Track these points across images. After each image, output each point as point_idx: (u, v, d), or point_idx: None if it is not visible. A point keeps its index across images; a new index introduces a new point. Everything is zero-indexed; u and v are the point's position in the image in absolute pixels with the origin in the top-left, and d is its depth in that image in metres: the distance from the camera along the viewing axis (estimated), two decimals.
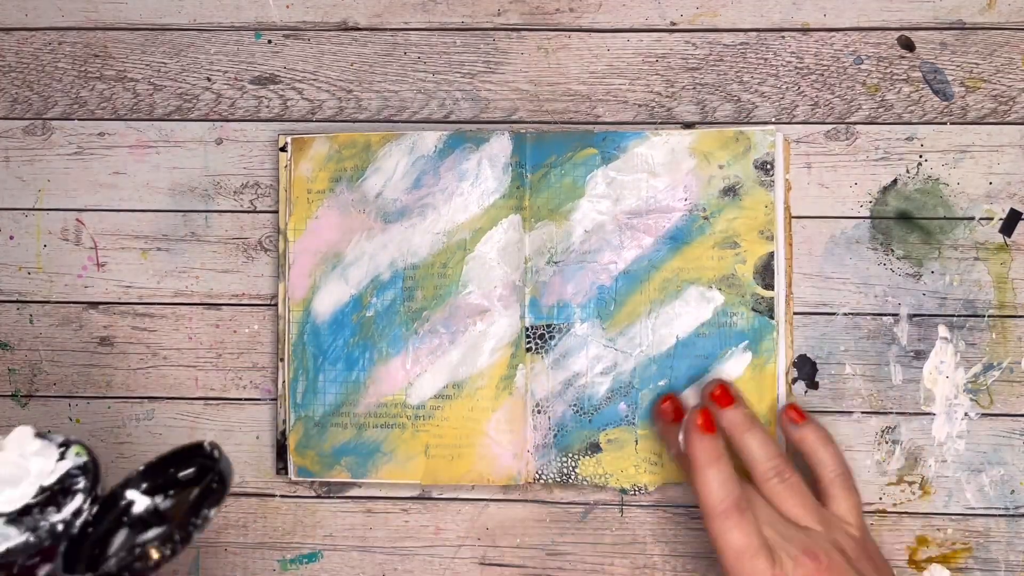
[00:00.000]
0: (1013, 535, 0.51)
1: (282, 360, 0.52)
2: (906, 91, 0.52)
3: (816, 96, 0.53)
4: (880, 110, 0.52)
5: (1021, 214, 0.52)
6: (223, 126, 0.54)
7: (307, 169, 0.52)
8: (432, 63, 0.54)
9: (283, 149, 0.53)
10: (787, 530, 0.45)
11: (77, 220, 0.54)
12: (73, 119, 0.54)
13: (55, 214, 0.54)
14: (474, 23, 0.54)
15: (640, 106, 0.53)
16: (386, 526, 0.53)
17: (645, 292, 0.51)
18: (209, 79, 0.54)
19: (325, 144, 0.52)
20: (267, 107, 0.54)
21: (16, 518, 0.29)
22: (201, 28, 0.54)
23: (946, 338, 0.52)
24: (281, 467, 0.52)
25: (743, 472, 0.47)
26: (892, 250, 0.52)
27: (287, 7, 0.54)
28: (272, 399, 0.53)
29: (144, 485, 0.30)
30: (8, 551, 0.28)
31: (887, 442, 0.52)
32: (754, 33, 0.53)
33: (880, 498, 0.52)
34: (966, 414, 0.52)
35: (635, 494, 0.52)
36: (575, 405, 0.51)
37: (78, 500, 0.30)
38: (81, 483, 0.30)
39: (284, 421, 0.52)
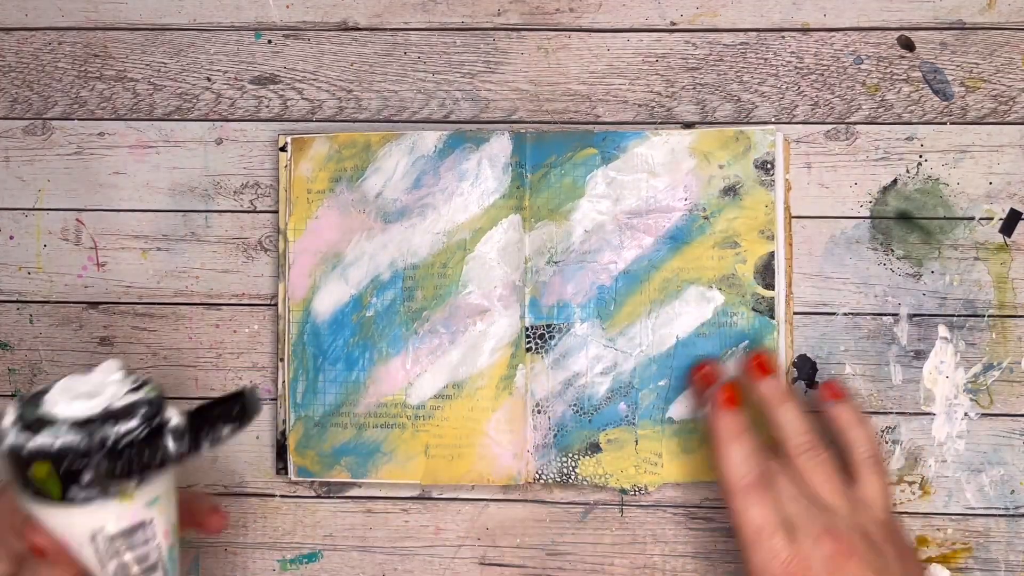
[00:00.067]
0: (1013, 535, 0.51)
1: (282, 360, 0.52)
2: (906, 91, 0.53)
3: (816, 96, 0.53)
4: (880, 110, 0.53)
5: (1021, 214, 0.52)
6: (223, 126, 0.54)
7: (307, 169, 0.52)
8: (432, 63, 0.54)
9: (283, 149, 0.53)
10: (810, 508, 0.44)
11: (77, 220, 0.54)
12: (73, 119, 0.54)
13: (55, 214, 0.54)
14: (474, 23, 0.54)
15: (640, 106, 0.53)
16: (386, 526, 0.53)
17: (645, 292, 0.51)
18: (209, 79, 0.54)
19: (325, 144, 0.52)
20: (267, 107, 0.54)
21: (79, 424, 0.34)
22: (201, 28, 0.54)
23: (946, 338, 0.52)
24: (281, 467, 0.52)
25: (772, 446, 0.47)
26: (892, 250, 0.52)
27: (287, 7, 0.54)
28: (272, 399, 0.53)
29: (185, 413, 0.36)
30: (62, 448, 0.34)
31: (887, 442, 0.52)
32: (754, 33, 0.53)
33: None
34: (966, 414, 0.52)
35: (635, 494, 0.52)
36: (575, 405, 0.51)
37: (133, 423, 0.35)
38: (142, 411, 0.35)
39: (284, 421, 0.52)
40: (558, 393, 0.51)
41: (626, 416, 0.51)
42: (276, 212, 0.54)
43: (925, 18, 0.53)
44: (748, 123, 0.53)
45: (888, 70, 0.53)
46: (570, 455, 0.51)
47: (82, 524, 0.35)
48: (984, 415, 0.52)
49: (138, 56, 0.54)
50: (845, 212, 0.52)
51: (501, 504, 0.53)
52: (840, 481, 0.46)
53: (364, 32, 0.54)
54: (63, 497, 0.35)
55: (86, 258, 0.54)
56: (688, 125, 0.53)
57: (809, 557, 0.43)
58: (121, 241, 0.54)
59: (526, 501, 0.53)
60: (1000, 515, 0.51)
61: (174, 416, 0.36)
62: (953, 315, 0.52)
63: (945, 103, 0.52)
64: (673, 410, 0.51)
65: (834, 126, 0.53)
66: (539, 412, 0.51)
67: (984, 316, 0.52)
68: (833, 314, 0.52)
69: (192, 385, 0.54)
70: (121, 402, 0.36)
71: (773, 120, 0.53)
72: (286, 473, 0.52)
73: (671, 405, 0.51)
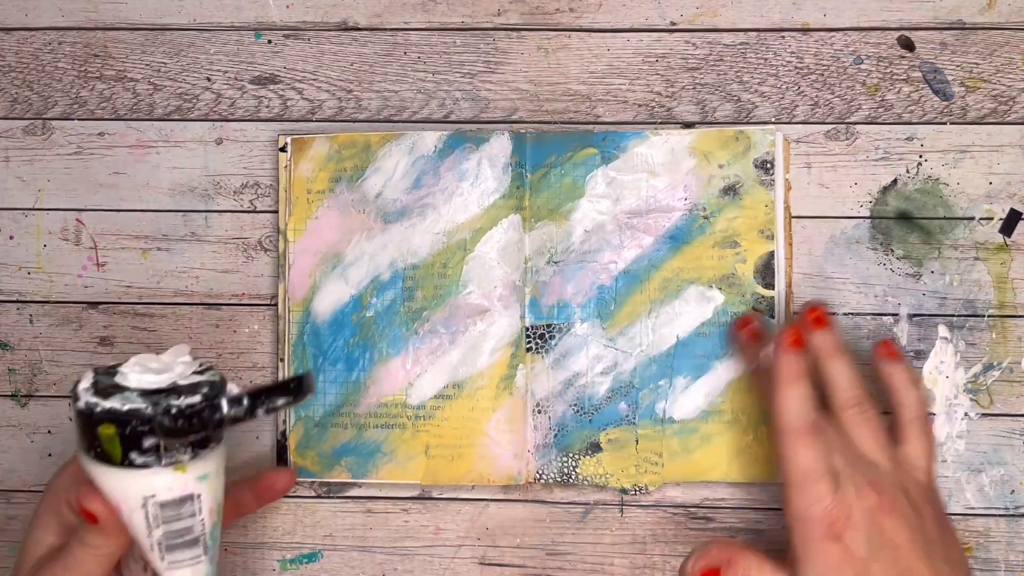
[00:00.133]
0: (1013, 535, 0.52)
1: (282, 360, 0.53)
2: (906, 91, 0.53)
3: (816, 96, 0.53)
4: (880, 110, 0.53)
5: (1021, 214, 0.52)
6: (223, 126, 0.54)
7: (307, 169, 0.53)
8: (432, 63, 0.54)
9: (283, 149, 0.53)
10: (856, 461, 0.45)
11: (77, 220, 0.55)
12: (73, 119, 0.55)
13: (55, 214, 0.55)
14: (474, 23, 0.54)
15: (640, 106, 0.53)
16: (386, 526, 0.53)
17: (645, 292, 0.52)
18: (209, 79, 0.54)
19: (325, 144, 0.53)
20: (267, 107, 0.54)
21: (147, 394, 0.39)
22: (201, 28, 0.55)
23: (946, 338, 0.52)
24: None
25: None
26: (892, 250, 0.52)
27: (287, 7, 0.54)
28: None
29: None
30: (129, 412, 0.37)
31: None
32: (754, 33, 0.53)
33: None
34: (966, 414, 0.52)
35: (635, 494, 0.52)
36: (575, 405, 0.52)
37: (195, 399, 0.39)
38: (204, 390, 0.39)
39: (284, 422, 0.53)
40: (558, 393, 0.52)
41: (626, 416, 0.51)
42: (276, 212, 0.54)
43: (925, 18, 0.53)
44: (748, 123, 0.53)
45: (888, 70, 0.53)
46: (570, 455, 0.51)
47: (136, 488, 0.39)
48: (984, 415, 0.52)
49: (138, 56, 0.55)
50: (845, 212, 0.53)
51: (501, 504, 0.53)
52: (885, 439, 0.46)
53: (364, 32, 0.54)
54: (123, 460, 0.38)
55: (86, 258, 0.54)
56: (688, 125, 0.53)
57: (851, 507, 0.43)
58: (121, 241, 0.54)
59: (526, 501, 0.53)
60: (1000, 515, 0.52)
61: (234, 388, 0.39)
62: (953, 315, 0.52)
63: (945, 103, 0.53)
64: (673, 410, 0.51)
65: (834, 126, 0.53)
66: (539, 412, 0.52)
67: (984, 316, 0.52)
68: (833, 314, 0.52)
69: None
70: (187, 380, 0.40)
71: (773, 120, 0.53)
72: None
73: (672, 405, 0.51)
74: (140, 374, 0.39)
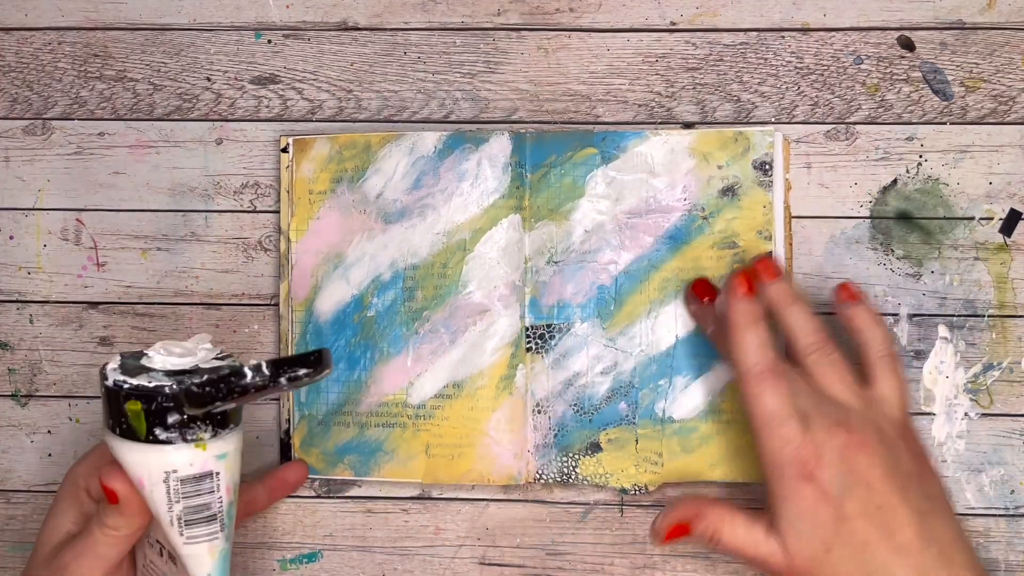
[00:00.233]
0: (1013, 535, 0.52)
1: None
2: (906, 91, 0.53)
3: (816, 96, 0.54)
4: (880, 110, 0.53)
5: (1021, 214, 0.53)
6: (223, 126, 0.55)
7: (309, 170, 0.53)
8: (432, 63, 0.55)
9: (285, 150, 0.54)
10: (824, 403, 0.45)
11: (77, 220, 0.55)
12: (73, 119, 0.55)
13: (55, 214, 0.55)
14: (474, 23, 0.55)
15: (640, 106, 0.54)
16: (386, 526, 0.54)
17: (645, 292, 0.52)
18: (209, 79, 0.55)
19: (326, 145, 0.53)
20: (267, 107, 0.55)
21: (173, 373, 0.41)
22: (201, 28, 0.55)
23: (946, 338, 0.53)
24: None
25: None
26: (892, 250, 0.53)
27: (287, 7, 0.55)
28: (272, 399, 0.54)
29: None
30: (155, 387, 0.40)
31: None
32: (754, 33, 0.54)
33: None
34: (966, 414, 0.53)
35: (635, 494, 0.53)
36: (575, 405, 0.52)
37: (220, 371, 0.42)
38: (223, 371, 0.41)
39: (288, 420, 0.53)
40: (558, 393, 0.52)
41: (626, 416, 0.52)
42: (276, 212, 0.54)
43: (925, 18, 0.54)
44: (748, 123, 0.54)
45: (888, 70, 0.54)
46: (570, 455, 0.52)
47: (159, 463, 0.41)
48: (984, 415, 0.53)
49: (138, 56, 0.55)
50: (845, 212, 0.53)
51: (501, 504, 0.54)
52: (853, 380, 0.46)
53: (364, 32, 0.55)
54: (147, 436, 0.41)
55: (86, 258, 0.55)
56: (688, 125, 0.54)
57: (821, 446, 0.43)
58: (121, 241, 0.55)
59: (526, 501, 0.54)
60: (1000, 515, 0.52)
61: (255, 360, 0.42)
62: (953, 315, 0.53)
63: (945, 103, 0.53)
64: (673, 409, 0.52)
65: (834, 126, 0.54)
66: (539, 412, 0.52)
67: (984, 316, 0.53)
68: (833, 314, 0.53)
69: None
70: (208, 364, 0.43)
71: (773, 120, 0.54)
72: None
73: (671, 404, 0.52)
74: (165, 356, 0.42)
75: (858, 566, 0.43)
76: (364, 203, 0.53)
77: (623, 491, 0.53)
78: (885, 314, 0.53)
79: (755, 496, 0.52)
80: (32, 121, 0.56)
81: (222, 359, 0.44)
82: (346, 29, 0.55)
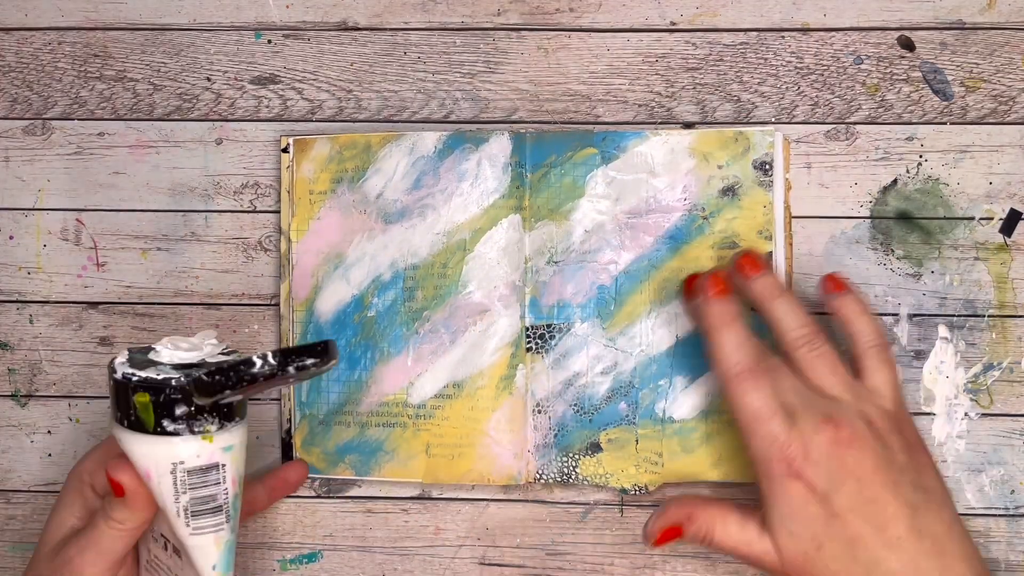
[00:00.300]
0: (1013, 535, 0.53)
1: None
2: (906, 91, 0.54)
3: (816, 96, 0.54)
4: (880, 110, 0.54)
5: (1021, 214, 0.53)
6: (223, 126, 0.55)
7: (309, 170, 0.54)
8: (432, 63, 0.55)
9: (285, 150, 0.54)
10: (812, 398, 0.44)
11: (77, 220, 0.56)
12: (73, 119, 0.56)
13: (55, 214, 0.56)
14: (474, 23, 0.55)
15: (640, 106, 0.54)
16: (386, 526, 0.54)
17: (645, 292, 0.53)
18: (209, 79, 0.55)
19: (326, 145, 0.54)
20: (267, 107, 0.55)
21: (181, 366, 0.43)
22: (201, 28, 0.56)
23: (946, 338, 0.53)
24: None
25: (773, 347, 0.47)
26: (892, 250, 0.53)
27: (287, 7, 0.55)
28: (273, 399, 0.54)
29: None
30: (163, 379, 0.41)
31: None
32: (754, 33, 0.54)
33: None
34: (966, 414, 0.53)
35: (635, 494, 0.53)
36: (575, 405, 0.53)
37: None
38: (232, 361, 0.42)
39: (289, 420, 0.54)
40: (558, 393, 0.53)
41: (626, 416, 0.52)
42: (276, 212, 0.55)
43: (925, 18, 0.54)
44: (748, 123, 0.54)
45: (888, 70, 0.54)
46: (570, 455, 0.52)
47: (167, 455, 0.42)
48: (984, 415, 0.53)
49: (138, 56, 0.56)
50: (845, 212, 0.54)
51: (501, 504, 0.54)
52: (844, 372, 0.46)
53: (364, 32, 0.55)
54: (155, 428, 0.42)
55: (86, 258, 0.55)
56: (688, 125, 0.54)
57: (808, 442, 0.43)
58: (121, 241, 0.55)
59: (526, 501, 0.54)
60: (1000, 515, 0.53)
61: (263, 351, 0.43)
62: (953, 315, 0.53)
63: (945, 103, 0.54)
64: (673, 409, 0.52)
65: (834, 126, 0.54)
66: (539, 412, 0.53)
67: (984, 316, 0.53)
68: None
69: None
70: (214, 359, 0.44)
71: (773, 120, 0.54)
72: None
73: (671, 404, 0.52)
74: (172, 351, 0.44)
75: (850, 561, 0.43)
76: (364, 203, 0.54)
77: (623, 491, 0.53)
78: (885, 314, 0.53)
79: (756, 496, 0.53)
80: (32, 121, 0.56)
81: (227, 355, 0.44)
82: (346, 29, 0.56)
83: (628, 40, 0.55)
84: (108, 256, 0.56)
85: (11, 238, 0.56)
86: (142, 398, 0.41)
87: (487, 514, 0.54)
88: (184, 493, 0.42)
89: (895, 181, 0.54)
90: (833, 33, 0.54)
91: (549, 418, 0.53)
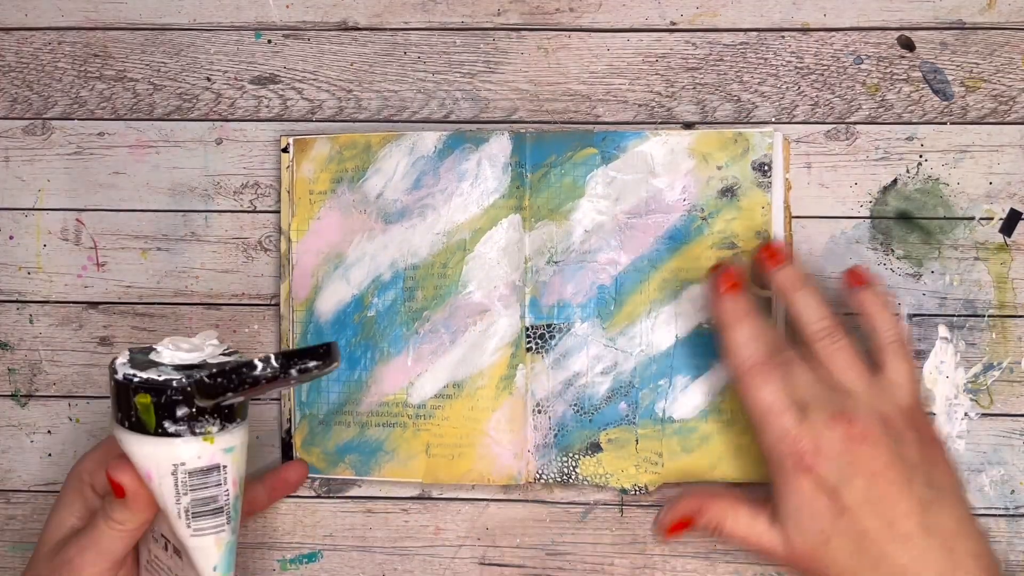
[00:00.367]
0: (1013, 535, 0.53)
1: None
2: (906, 91, 0.54)
3: (816, 96, 0.54)
4: (880, 110, 0.54)
5: (1021, 214, 0.54)
6: (223, 126, 0.56)
7: (309, 170, 0.54)
8: (432, 63, 0.55)
9: (285, 150, 0.54)
10: (826, 392, 0.45)
11: (77, 220, 0.56)
12: (73, 119, 0.56)
13: (55, 214, 0.56)
14: (474, 23, 0.55)
15: (640, 106, 0.55)
16: (386, 526, 0.54)
17: (645, 292, 0.53)
18: (209, 79, 0.56)
19: (326, 145, 0.54)
20: (267, 107, 0.56)
21: (182, 367, 0.43)
22: (201, 28, 0.56)
23: (946, 338, 0.53)
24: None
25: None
26: (892, 250, 0.54)
27: (287, 7, 0.56)
28: (273, 399, 0.55)
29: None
30: (164, 382, 0.41)
31: None
32: (754, 33, 0.55)
33: None
34: (966, 414, 0.53)
35: (635, 494, 0.53)
36: (575, 405, 0.53)
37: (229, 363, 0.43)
38: (234, 363, 0.42)
39: (289, 420, 0.54)
40: (558, 393, 0.53)
41: (626, 416, 0.53)
42: (276, 212, 0.55)
43: (925, 18, 0.54)
44: (748, 123, 0.54)
45: (888, 70, 0.54)
46: (570, 455, 0.53)
47: (168, 456, 0.42)
48: (984, 415, 0.53)
49: (138, 56, 0.56)
50: (845, 212, 0.54)
51: (501, 504, 0.54)
52: (863, 366, 0.46)
53: (364, 32, 0.56)
54: (156, 429, 0.42)
55: (86, 258, 0.56)
56: (688, 125, 0.54)
57: (819, 438, 0.43)
58: (121, 241, 0.56)
59: (526, 501, 0.54)
60: (1000, 515, 0.53)
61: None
62: (953, 315, 0.53)
63: (945, 103, 0.54)
64: (673, 409, 0.53)
65: (834, 126, 0.54)
66: (539, 412, 0.53)
67: (984, 316, 0.53)
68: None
69: None
70: (216, 360, 0.44)
71: (773, 120, 0.54)
72: None
73: (671, 404, 0.53)
74: (173, 351, 0.44)
75: (857, 557, 0.43)
76: (364, 203, 0.54)
77: (623, 491, 0.54)
78: None
79: (756, 496, 0.53)
80: (32, 121, 0.56)
81: (228, 355, 0.45)
82: (346, 29, 0.56)
83: (628, 40, 0.55)
84: (108, 256, 0.56)
85: (11, 238, 0.56)
86: (143, 399, 0.42)
87: (487, 514, 0.54)
88: (185, 494, 0.42)
89: (895, 181, 0.54)
90: (833, 33, 0.55)
91: (549, 418, 0.53)
